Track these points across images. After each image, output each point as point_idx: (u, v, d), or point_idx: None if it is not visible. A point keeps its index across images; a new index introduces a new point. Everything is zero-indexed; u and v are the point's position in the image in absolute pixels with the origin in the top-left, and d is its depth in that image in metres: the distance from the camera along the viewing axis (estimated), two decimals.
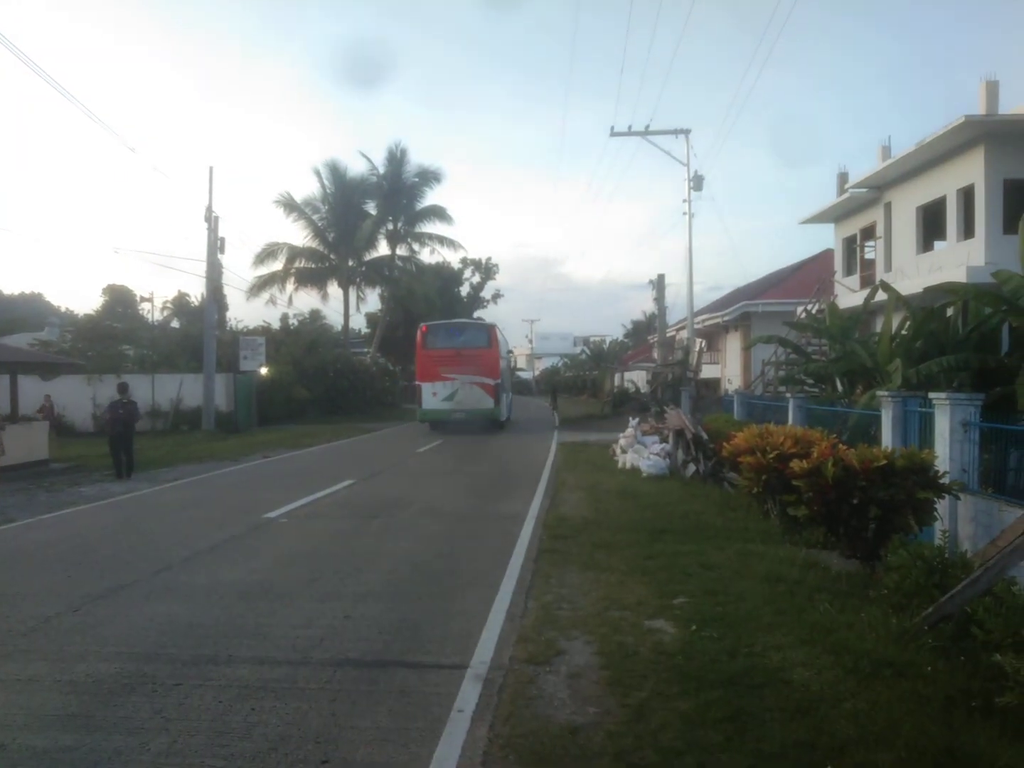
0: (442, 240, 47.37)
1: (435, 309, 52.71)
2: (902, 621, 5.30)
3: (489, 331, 27.62)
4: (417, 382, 26.32)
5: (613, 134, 29.18)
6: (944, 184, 18.76)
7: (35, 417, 21.30)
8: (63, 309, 75.94)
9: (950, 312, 12.99)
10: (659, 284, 33.77)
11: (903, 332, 13.36)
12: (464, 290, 66.74)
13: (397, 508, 11.26)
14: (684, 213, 29.07)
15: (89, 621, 5.95)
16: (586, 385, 62.75)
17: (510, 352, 47.08)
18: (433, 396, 25.60)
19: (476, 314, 66.43)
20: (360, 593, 6.67)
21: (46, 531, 9.98)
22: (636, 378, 43.71)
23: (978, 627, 4.63)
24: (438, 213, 47.08)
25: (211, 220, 26.83)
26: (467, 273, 66.39)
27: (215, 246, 27.13)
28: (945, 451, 7.69)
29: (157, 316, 39.25)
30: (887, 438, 9.01)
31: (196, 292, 43.04)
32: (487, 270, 67.39)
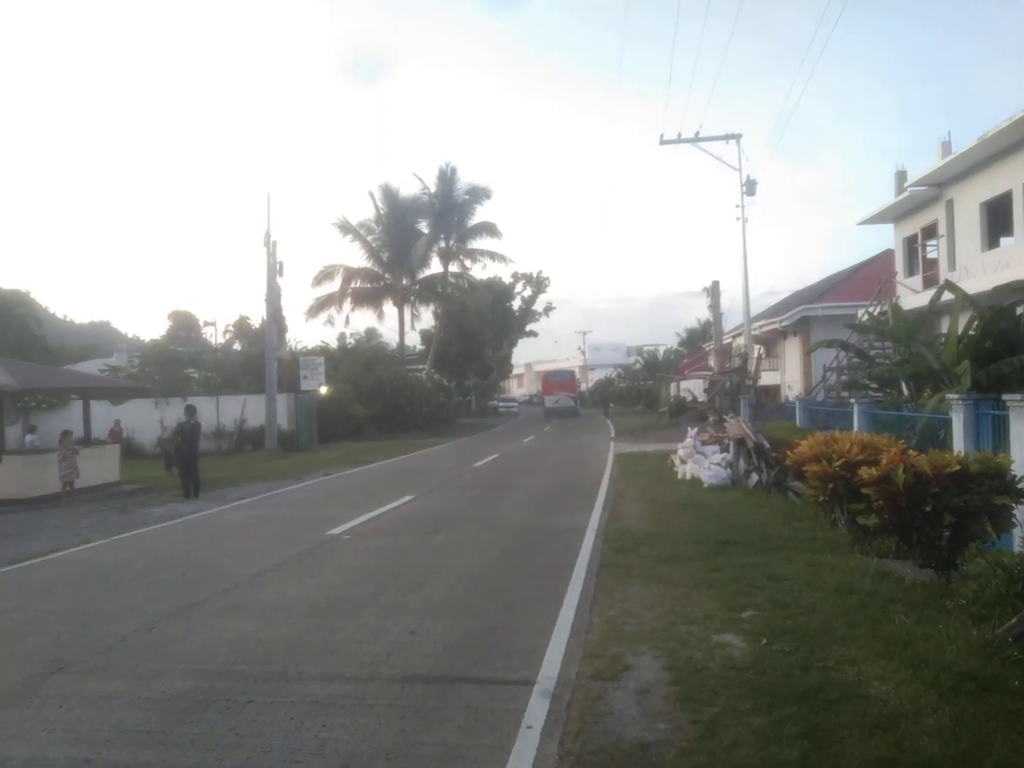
0: (493, 255, 47.86)
1: (487, 324, 53.16)
2: (983, 633, 5.10)
3: (572, 373, 63.08)
4: (542, 395, 59.45)
5: (663, 142, 29.05)
6: (1009, 178, 18.12)
7: (107, 440, 22.10)
8: (130, 335, 78.98)
9: (1020, 310, 12.52)
10: (714, 291, 33.32)
11: (971, 332, 12.91)
12: (516, 304, 66.92)
13: (457, 523, 11.31)
14: (737, 218, 28.77)
15: (163, 639, 6.11)
16: (641, 395, 62.19)
17: (579, 379, 73.83)
18: (548, 401, 55.46)
19: (528, 327, 68.31)
20: (424, 608, 6.71)
21: (120, 551, 10.30)
22: (692, 387, 43.14)
23: None
24: (489, 229, 47.59)
25: (270, 245, 27.49)
26: (518, 287, 66.59)
27: (274, 270, 27.76)
28: (1022, 455, 7.39)
29: (220, 339, 40.33)
30: (958, 443, 8.69)
31: (256, 315, 44.08)
32: (538, 283, 67.46)
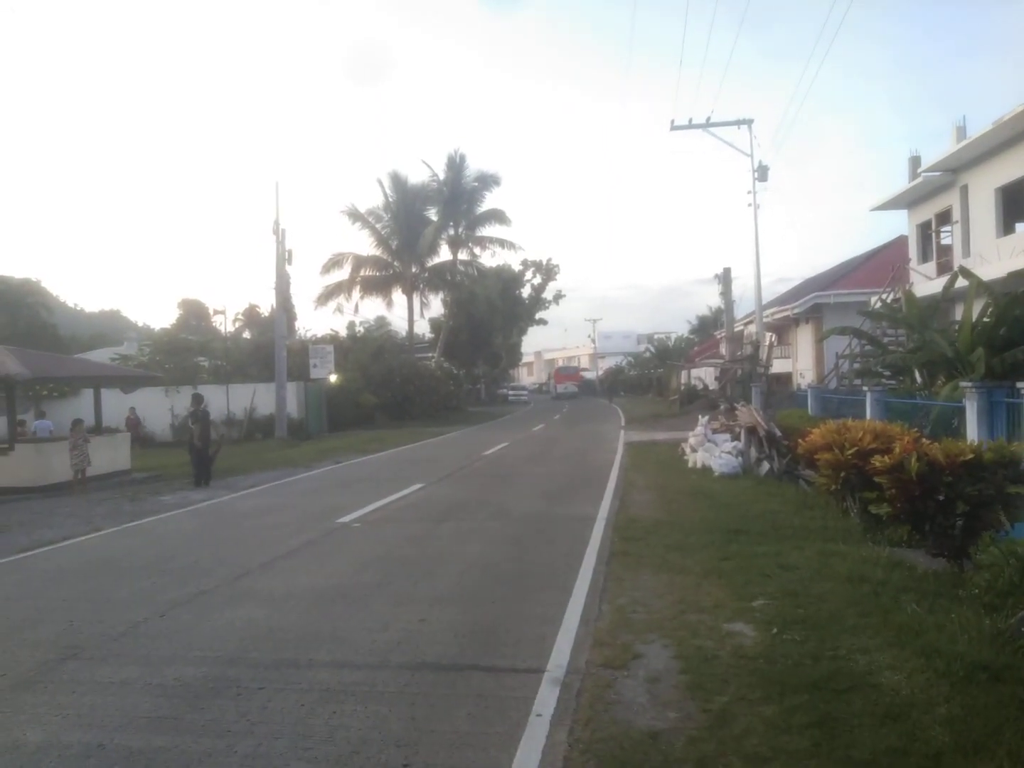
0: (502, 243, 47.76)
1: (497, 312, 53.08)
2: (996, 622, 5.06)
3: (577, 368, 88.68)
4: (554, 383, 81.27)
5: (673, 128, 28.88)
6: None
7: (118, 429, 22.19)
8: (140, 324, 79.31)
9: None
10: (725, 278, 33.17)
11: (985, 319, 12.80)
12: (525, 291, 66.67)
13: (467, 511, 11.32)
14: (749, 205, 28.59)
15: (174, 626, 6.14)
16: (651, 383, 62.03)
17: (584, 370, 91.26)
18: (559, 387, 76.57)
19: (538, 315, 68.78)
20: (434, 596, 6.72)
21: (131, 539, 10.37)
22: (703, 375, 42.97)
23: None
24: (498, 216, 47.43)
25: (278, 233, 27.46)
26: (528, 275, 66.29)
27: (283, 258, 27.73)
28: None
29: (229, 328, 40.31)
30: (972, 431, 8.62)
31: (266, 303, 44.17)
32: (548, 271, 67.07)
